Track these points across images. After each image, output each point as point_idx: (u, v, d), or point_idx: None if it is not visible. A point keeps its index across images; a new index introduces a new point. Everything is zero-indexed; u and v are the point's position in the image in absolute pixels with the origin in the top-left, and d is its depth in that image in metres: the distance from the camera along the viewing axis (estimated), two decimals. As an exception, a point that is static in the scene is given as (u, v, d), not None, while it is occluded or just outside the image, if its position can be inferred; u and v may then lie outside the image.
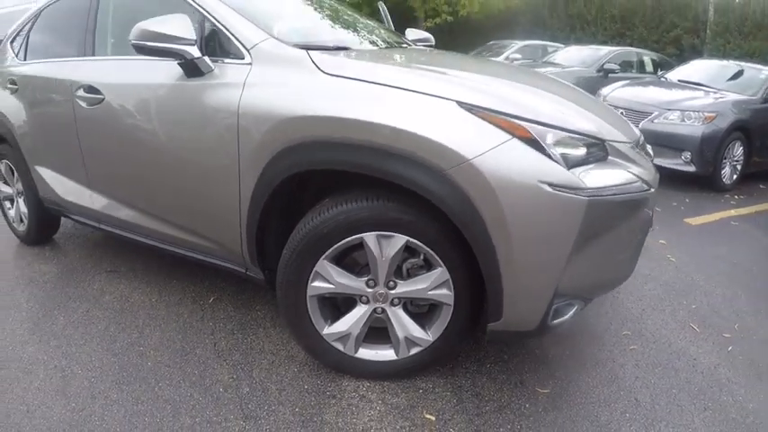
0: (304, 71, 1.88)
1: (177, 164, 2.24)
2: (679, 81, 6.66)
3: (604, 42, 12.54)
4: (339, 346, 2.01)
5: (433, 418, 1.88)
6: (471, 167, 1.59)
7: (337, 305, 2.04)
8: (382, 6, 4.19)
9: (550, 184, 1.60)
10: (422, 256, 1.85)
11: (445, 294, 1.86)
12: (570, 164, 1.67)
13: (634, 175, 1.84)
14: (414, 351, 2.00)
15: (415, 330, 1.95)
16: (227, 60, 2.07)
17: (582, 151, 1.73)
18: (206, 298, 2.76)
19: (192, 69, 2.08)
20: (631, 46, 11.47)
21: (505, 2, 17.00)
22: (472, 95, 1.71)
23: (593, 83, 7.89)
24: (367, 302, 1.93)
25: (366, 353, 2.03)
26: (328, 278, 1.87)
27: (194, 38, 2.03)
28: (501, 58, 11.91)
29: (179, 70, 2.14)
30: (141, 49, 2.06)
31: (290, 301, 1.95)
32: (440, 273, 1.82)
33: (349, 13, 3.18)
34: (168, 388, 2.05)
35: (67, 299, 2.80)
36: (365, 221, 1.77)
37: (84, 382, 2.11)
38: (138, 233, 2.68)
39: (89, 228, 3.22)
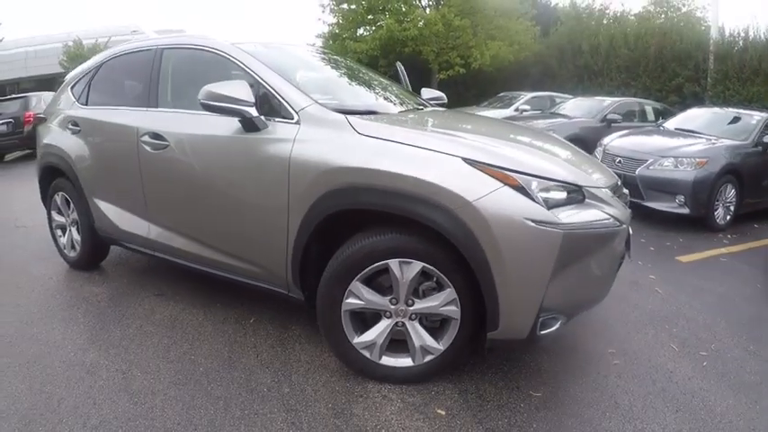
0: (344, 132, 2.41)
1: (234, 201, 2.74)
2: (676, 129, 7.13)
3: (611, 92, 13.10)
4: (366, 354, 2.44)
5: (443, 413, 2.28)
6: (473, 207, 2.07)
7: (364, 319, 2.47)
8: (400, 67, 4.76)
9: (533, 221, 2.07)
10: (434, 279, 2.31)
11: (453, 310, 2.30)
12: (550, 205, 2.14)
13: (607, 213, 2.30)
14: (428, 358, 2.42)
15: (429, 341, 2.38)
16: (278, 119, 2.60)
17: (562, 195, 2.20)
18: (247, 318, 3.21)
19: (250, 126, 2.61)
20: (636, 95, 12.00)
21: (515, 54, 17.77)
22: (473, 153, 2.21)
23: (597, 132, 8.40)
24: (390, 317, 2.38)
25: (388, 360, 2.46)
26: (360, 296, 2.33)
27: (253, 101, 2.55)
28: (511, 109, 12.54)
29: (237, 125, 2.66)
30: (208, 107, 2.58)
31: (327, 314, 2.40)
32: (449, 292, 2.27)
33: (373, 76, 3.76)
34: (219, 388, 2.48)
35: (121, 316, 3.27)
36: (390, 251, 2.24)
37: (143, 382, 2.53)
38: (191, 260, 3.15)
39: (136, 255, 3.76)
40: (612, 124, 8.87)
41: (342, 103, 2.90)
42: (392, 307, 2.35)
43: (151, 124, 3.19)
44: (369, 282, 2.36)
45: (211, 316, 3.25)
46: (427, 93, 4.07)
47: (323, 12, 19.82)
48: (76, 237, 4.05)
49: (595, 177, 2.50)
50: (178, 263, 3.26)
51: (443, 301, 2.29)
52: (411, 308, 2.35)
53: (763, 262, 4.71)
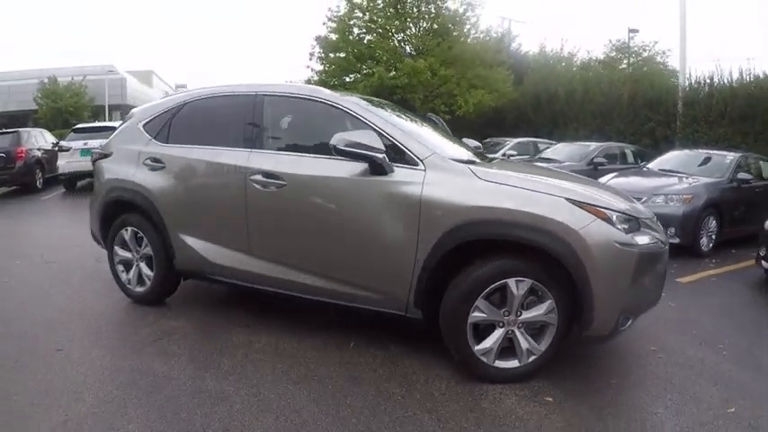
0: (468, 177, 3.15)
1: (358, 235, 3.27)
2: (660, 170, 8.24)
3: (587, 136, 14.25)
4: (484, 359, 3.15)
5: (551, 400, 3.02)
6: (578, 235, 2.91)
7: (479, 329, 3.18)
8: (439, 119, 5.54)
9: (619, 243, 2.95)
10: (538, 293, 3.10)
11: (552, 317, 3.10)
12: (626, 232, 3.03)
13: (656, 237, 3.21)
14: (531, 359, 3.16)
15: (533, 344, 3.15)
16: (404, 165, 3.21)
17: (629, 224, 3.09)
18: (346, 343, 3.62)
19: (379, 170, 3.19)
20: (610, 139, 13.14)
21: (495, 101, 19.08)
22: (572, 194, 3.06)
23: (586, 175, 9.19)
24: (503, 326, 3.14)
25: (500, 363, 3.17)
26: (483, 310, 3.09)
27: (384, 149, 3.15)
28: (499, 154, 13.55)
29: (359, 168, 3.22)
30: (341, 152, 3.13)
31: (454, 327, 3.09)
32: (549, 303, 3.07)
33: (449, 133, 4.52)
34: (358, 400, 2.90)
35: (220, 347, 3.54)
36: (508, 271, 3.03)
37: (281, 402, 2.85)
38: (297, 290, 3.56)
39: (196, 291, 4.24)
40: (599, 167, 9.82)
41: (443, 152, 3.44)
42: (505, 318, 3.12)
43: (262, 164, 3.57)
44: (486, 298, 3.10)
45: (310, 342, 3.62)
46: (469, 142, 4.79)
47: (310, 59, 20.88)
48: (147, 272, 4.21)
49: (642, 209, 3.44)
50: (275, 292, 3.66)
51: (546, 310, 3.08)
52: (520, 318, 3.13)
53: (745, 280, 5.80)
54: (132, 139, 4.33)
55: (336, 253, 3.42)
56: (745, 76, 12.49)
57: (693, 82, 13.33)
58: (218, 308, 4.38)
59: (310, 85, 4.04)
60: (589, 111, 15.64)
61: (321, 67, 20.72)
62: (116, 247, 4.38)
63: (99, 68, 35.57)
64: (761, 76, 12.08)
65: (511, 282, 3.04)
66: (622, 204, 3.24)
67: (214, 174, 3.86)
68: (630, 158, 11.13)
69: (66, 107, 32.10)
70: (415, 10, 19.58)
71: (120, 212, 4.32)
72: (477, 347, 3.13)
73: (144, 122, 4.33)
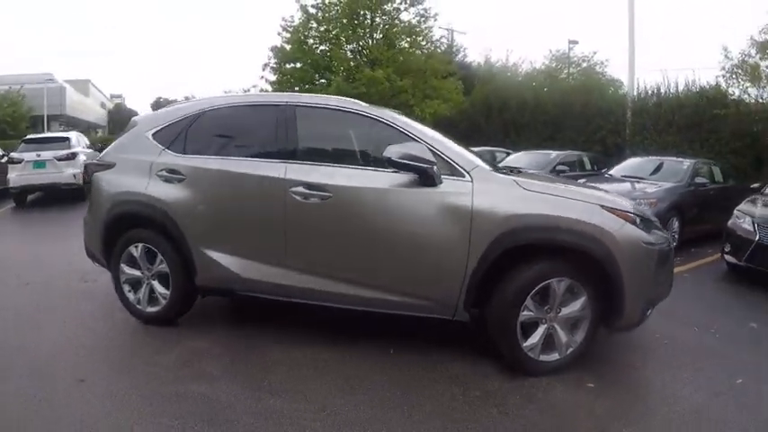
0: (513, 187, 3.43)
1: (408, 246, 3.41)
2: (622, 176, 8.88)
3: (539, 144, 14.88)
4: (531, 354, 3.42)
5: (593, 385, 3.36)
6: (613, 236, 3.29)
7: (523, 327, 3.44)
8: None
9: (644, 242, 3.35)
10: (573, 290, 3.41)
11: (587, 312, 3.44)
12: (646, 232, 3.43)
13: (663, 236, 3.65)
14: (569, 351, 3.48)
15: (571, 337, 3.48)
16: (451, 177, 3.41)
17: (645, 225, 3.50)
18: (385, 350, 3.71)
19: (428, 181, 3.36)
20: (562, 147, 13.88)
21: (448, 111, 19.65)
22: (605, 202, 3.47)
23: None
24: (544, 323, 3.44)
25: (543, 356, 3.46)
26: (531, 309, 3.38)
27: (434, 161, 3.35)
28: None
29: (404, 179, 3.38)
30: (395, 164, 3.30)
31: (504, 327, 3.35)
32: (584, 299, 3.41)
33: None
34: (426, 403, 3.06)
35: (266, 365, 3.47)
36: (552, 272, 3.34)
37: (352, 414, 2.91)
38: (337, 301, 3.64)
39: (207, 309, 4.18)
40: (560, 174, 10.18)
41: (483, 164, 3.68)
42: (547, 315, 3.43)
43: (304, 176, 3.58)
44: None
45: (354, 353, 3.67)
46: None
47: (264, 70, 20.81)
48: (161, 290, 4.02)
49: (649, 213, 3.85)
50: (309, 303, 3.72)
51: (581, 306, 3.42)
52: (559, 314, 3.44)
53: (713, 274, 6.54)
54: (140, 149, 4.11)
55: (384, 263, 3.52)
56: (690, 86, 13.52)
57: (641, 92, 14.34)
58: (235, 326, 4.29)
59: (347, 98, 4.12)
60: (541, 120, 16.33)
61: (274, 78, 20.69)
62: (123, 266, 4.14)
63: (37, 77, 33.80)
64: (705, 86, 13.12)
65: (554, 282, 3.36)
66: (639, 207, 3.64)
67: (247, 186, 3.76)
68: (588, 165, 11.80)
69: (4, 117, 30.37)
70: (368, 21, 19.93)
71: (128, 228, 4.09)
72: (524, 344, 3.40)
73: (153, 131, 4.14)
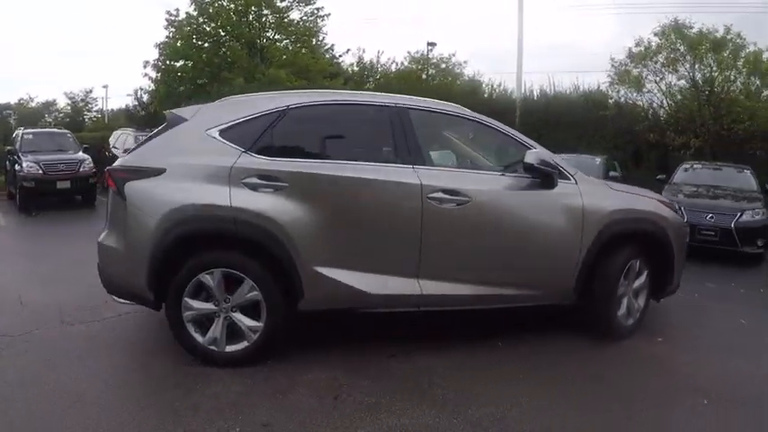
0: (605, 188, 4.34)
1: (536, 243, 3.88)
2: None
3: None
4: (622, 321, 4.23)
5: (661, 339, 4.34)
6: (667, 220, 4.33)
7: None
8: None
9: (683, 225, 4.55)
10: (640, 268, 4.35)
11: (647, 283, 4.40)
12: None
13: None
14: (638, 315, 4.36)
15: (636, 305, 4.38)
16: (562, 180, 3.95)
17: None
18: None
19: (550, 184, 3.89)
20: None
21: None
22: (657, 197, 4.54)
23: None
24: (626, 296, 4.27)
25: (626, 322, 4.29)
26: (623, 285, 4.19)
27: (558, 166, 3.92)
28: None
29: (526, 182, 3.87)
30: (532, 169, 3.76)
31: (608, 301, 4.06)
32: (646, 275, 4.38)
33: None
34: (535, 385, 3.45)
35: (305, 397, 3.18)
36: (632, 255, 4.22)
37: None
38: (455, 304, 3.86)
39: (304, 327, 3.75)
40: None
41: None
42: (629, 288, 4.27)
43: (440, 182, 3.64)
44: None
45: (446, 360, 3.72)
46: None
47: (145, 67, 19.62)
48: (249, 323, 3.42)
49: None
50: (436, 310, 3.89)
51: (644, 280, 4.38)
52: (633, 286, 4.32)
53: None
54: (205, 151, 3.48)
55: (515, 261, 3.89)
56: (576, 89, 15.65)
57: (529, 93, 16.25)
58: (316, 349, 3.84)
59: (452, 103, 4.27)
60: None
61: (157, 75, 19.57)
62: (187, 299, 3.40)
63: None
64: (590, 89, 15.38)
65: (634, 262, 4.28)
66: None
67: (378, 193, 3.55)
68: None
69: None
70: (257, 21, 19.66)
71: (196, 251, 3.41)
72: (619, 313, 4.20)
73: (219, 130, 3.52)
